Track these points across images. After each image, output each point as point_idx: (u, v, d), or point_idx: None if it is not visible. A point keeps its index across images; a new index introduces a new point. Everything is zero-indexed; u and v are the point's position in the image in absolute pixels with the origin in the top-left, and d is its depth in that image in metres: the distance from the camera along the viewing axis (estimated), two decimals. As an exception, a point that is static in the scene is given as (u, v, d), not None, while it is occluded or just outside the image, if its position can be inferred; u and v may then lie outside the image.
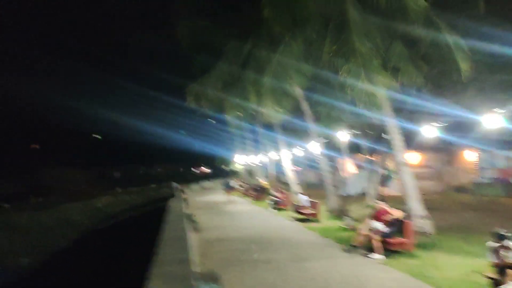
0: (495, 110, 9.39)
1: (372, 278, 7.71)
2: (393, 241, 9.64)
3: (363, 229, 10.29)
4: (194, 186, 46.58)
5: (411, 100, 14.37)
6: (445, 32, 11.08)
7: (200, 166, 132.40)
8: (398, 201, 19.67)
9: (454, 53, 10.86)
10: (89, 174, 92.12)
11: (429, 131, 11.42)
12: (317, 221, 16.18)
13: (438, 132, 11.14)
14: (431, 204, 16.22)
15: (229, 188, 30.19)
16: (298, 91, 16.64)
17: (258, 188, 29.53)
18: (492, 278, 5.99)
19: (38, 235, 23.47)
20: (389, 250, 9.57)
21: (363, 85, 10.83)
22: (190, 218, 14.83)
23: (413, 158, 25.79)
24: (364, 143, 21.17)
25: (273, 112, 14.52)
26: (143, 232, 19.70)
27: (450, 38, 11.00)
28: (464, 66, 11.05)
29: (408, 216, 11.31)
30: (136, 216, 35.15)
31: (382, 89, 11.17)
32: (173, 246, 7.89)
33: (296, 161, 30.43)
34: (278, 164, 35.27)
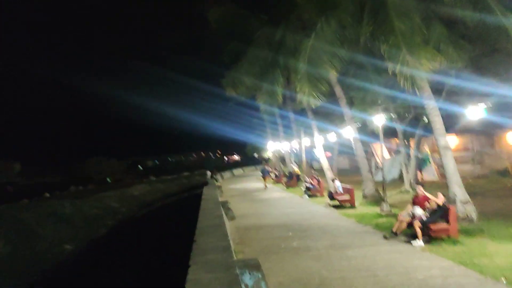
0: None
1: (418, 266, 7.48)
2: (436, 227, 9.33)
3: (403, 215, 10.03)
4: (226, 174, 46.93)
5: (452, 80, 13.80)
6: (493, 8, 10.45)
7: (231, 154, 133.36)
8: (435, 187, 19.24)
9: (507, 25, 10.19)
10: (124, 164, 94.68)
11: (474, 113, 10.87)
12: (352, 207, 15.95)
13: (484, 113, 10.58)
14: (473, 189, 15.71)
15: (266, 174, 30.10)
16: (332, 75, 16.30)
17: (291, 175, 29.40)
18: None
19: (80, 223, 24.24)
20: (432, 237, 9.29)
21: (403, 66, 10.42)
22: (225, 205, 14.92)
23: (452, 141, 24.97)
24: (400, 127, 20.61)
25: (309, 98, 14.22)
26: (179, 219, 20.02)
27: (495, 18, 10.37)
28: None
29: (451, 201, 10.95)
30: (171, 203, 35.75)
31: (422, 69, 10.71)
32: (213, 234, 7.90)
33: (328, 147, 30.04)
34: (310, 151, 35.01)
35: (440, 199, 9.62)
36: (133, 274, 13.53)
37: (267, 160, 61.77)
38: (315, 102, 14.63)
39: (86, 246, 19.16)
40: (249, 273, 5.56)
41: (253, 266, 5.70)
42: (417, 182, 10.85)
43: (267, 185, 28.78)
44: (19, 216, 20.85)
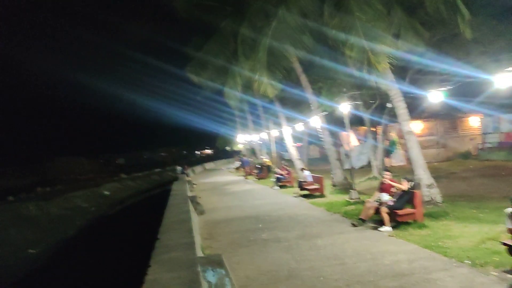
0: (507, 70, 8.97)
1: (385, 251, 7.50)
2: (402, 212, 9.42)
3: (371, 202, 10.08)
4: (198, 168, 46.53)
5: (414, 64, 13.99)
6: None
7: (202, 148, 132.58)
8: (403, 171, 19.59)
9: (460, 12, 10.33)
10: (94, 162, 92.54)
11: (435, 97, 11.01)
12: (322, 196, 16.00)
13: (444, 96, 10.73)
14: (438, 172, 16.07)
15: (246, 165, 29.74)
16: (297, 65, 16.25)
17: (261, 167, 29.34)
18: (509, 245, 5.74)
19: (47, 225, 23.48)
20: (399, 222, 9.37)
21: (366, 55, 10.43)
22: (194, 200, 14.67)
23: (416, 126, 25.50)
24: (366, 115, 20.84)
25: (268, 87, 14.12)
26: (148, 217, 19.64)
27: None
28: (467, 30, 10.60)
29: (416, 185, 11.08)
30: (141, 201, 35.16)
31: (384, 55, 10.75)
32: (177, 230, 7.67)
33: (297, 137, 30.13)
34: (279, 142, 35.07)
35: (404, 185, 9.69)
36: (95, 274, 13.15)
37: (238, 153, 61.67)
38: (273, 90, 14.53)
39: (52, 249, 18.53)
40: (212, 270, 5.40)
41: (216, 262, 5.54)
42: (384, 169, 10.90)
43: (236, 177, 28.63)
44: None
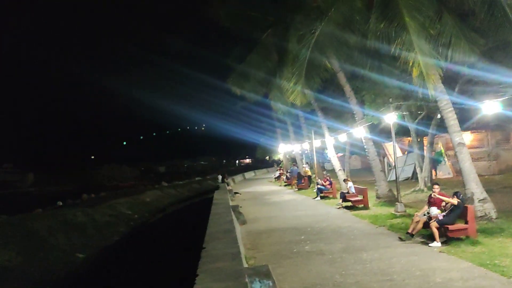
0: None
1: (436, 268, 7.18)
2: (453, 227, 9.01)
3: (419, 215, 9.72)
4: (238, 178, 46.76)
5: (465, 74, 13.47)
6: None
7: (242, 157, 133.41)
8: (451, 184, 18.83)
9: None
10: (135, 170, 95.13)
11: (490, 108, 10.51)
12: (366, 208, 15.63)
13: (500, 107, 10.22)
14: (490, 186, 15.30)
15: (295, 174, 29.47)
16: (341, 75, 16.08)
17: (302, 177, 29.08)
18: None
19: (92, 231, 24.21)
20: (450, 238, 8.97)
21: (416, 59, 10.12)
22: (236, 210, 14.72)
23: (467, 137, 24.49)
24: (412, 125, 20.25)
25: (301, 95, 14.03)
26: (191, 225, 19.86)
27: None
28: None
29: (468, 200, 10.61)
30: (182, 209, 35.66)
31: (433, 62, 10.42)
32: (222, 240, 7.69)
33: (338, 147, 29.69)
34: (320, 152, 34.69)
35: (454, 200, 9.23)
36: (143, 282, 13.37)
37: (279, 163, 61.51)
38: (304, 99, 14.41)
39: (98, 254, 19.07)
40: (259, 281, 5.35)
41: (263, 273, 5.49)
42: (433, 182, 10.49)
43: (278, 187, 28.45)
44: (32, 226, 20.87)
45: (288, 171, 37.48)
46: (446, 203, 9.45)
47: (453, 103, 11.69)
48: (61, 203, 34.01)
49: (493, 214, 10.61)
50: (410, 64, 10.51)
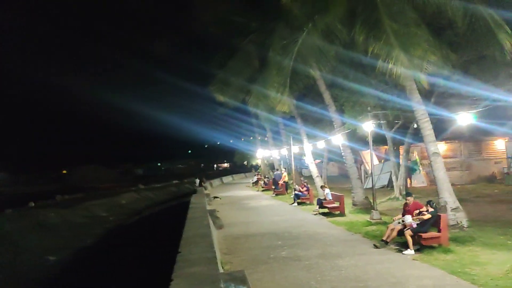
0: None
1: (409, 275, 7.30)
2: (427, 235, 9.18)
3: (394, 223, 9.88)
4: (216, 182, 46.57)
5: (441, 85, 13.78)
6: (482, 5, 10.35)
7: (220, 162, 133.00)
8: (425, 193, 19.18)
9: (496, 32, 10.10)
10: (113, 172, 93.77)
11: (464, 119, 10.79)
12: (342, 215, 15.77)
13: (474, 119, 10.51)
14: (462, 195, 15.66)
15: (278, 179, 29.38)
16: (321, 82, 16.23)
17: (280, 182, 29.14)
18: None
19: (65, 232, 23.72)
20: (423, 245, 9.13)
21: (395, 65, 10.29)
22: (213, 214, 14.63)
23: (441, 147, 25.07)
24: (389, 134, 20.59)
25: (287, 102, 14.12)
26: (167, 229, 19.65)
27: (487, 12, 10.25)
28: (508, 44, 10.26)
29: (441, 209, 10.83)
30: (159, 212, 35.28)
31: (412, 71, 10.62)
32: (198, 245, 7.63)
33: (316, 153, 29.93)
34: (298, 158, 34.87)
35: (427, 216, 9.35)
36: (117, 285, 13.14)
37: (257, 168, 61.54)
38: (290, 106, 14.49)
39: (71, 257, 18.66)
40: (235, 287, 5.32)
41: (239, 279, 5.46)
42: (407, 194, 10.68)
43: (256, 192, 28.43)
44: (1, 227, 20.31)
45: (266, 176, 37.63)
46: (420, 212, 9.63)
47: (429, 114, 11.94)
48: (33, 204, 33.19)
49: (465, 223, 10.86)
50: (391, 74, 10.66)
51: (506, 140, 25.63)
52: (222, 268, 8.19)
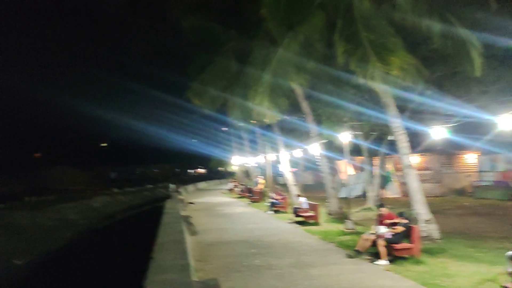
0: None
1: (382, 286, 7.37)
2: (399, 246, 9.29)
3: (367, 234, 9.97)
4: (190, 187, 46.21)
5: (416, 99, 14.07)
6: (456, 26, 10.65)
7: (195, 167, 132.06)
8: (398, 204, 19.48)
9: (469, 49, 10.40)
10: (85, 174, 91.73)
11: (438, 133, 11.06)
12: (317, 224, 15.83)
13: (448, 134, 10.78)
14: (432, 208, 15.88)
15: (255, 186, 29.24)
16: (299, 91, 16.33)
17: (256, 190, 29.15)
18: (510, 289, 5.64)
19: (34, 235, 23.02)
20: (395, 256, 9.23)
21: (372, 79, 10.44)
22: (187, 220, 14.48)
23: (414, 160, 25.58)
24: (364, 144, 20.88)
25: (269, 112, 14.12)
26: (139, 233, 19.32)
27: (462, 32, 10.56)
28: (476, 63, 10.61)
29: (414, 220, 11.00)
30: (132, 216, 34.73)
31: (387, 86, 10.81)
32: (171, 251, 7.51)
33: (293, 162, 30.09)
34: (275, 166, 34.96)
35: (399, 229, 9.49)
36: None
37: (232, 174, 61.37)
38: (274, 116, 14.54)
39: (39, 261, 18.10)
40: (208, 295, 5.26)
41: (212, 287, 5.41)
42: (380, 205, 10.82)
43: (230, 199, 28.32)
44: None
45: (241, 183, 37.59)
46: (393, 223, 9.76)
47: (405, 128, 12.16)
48: (2, 205, 32.18)
49: (437, 235, 11.06)
50: (368, 89, 10.82)
51: (478, 154, 26.34)
52: (195, 275, 8.08)
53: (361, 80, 10.71)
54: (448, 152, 27.17)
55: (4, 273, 15.69)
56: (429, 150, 26.35)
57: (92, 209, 35.85)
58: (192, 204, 25.62)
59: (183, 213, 16.87)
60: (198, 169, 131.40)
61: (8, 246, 19.75)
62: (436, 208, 17.71)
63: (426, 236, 10.85)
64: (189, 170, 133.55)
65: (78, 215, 31.79)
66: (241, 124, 26.22)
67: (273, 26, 13.31)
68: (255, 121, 24.97)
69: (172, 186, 37.72)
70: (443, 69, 14.29)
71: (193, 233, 13.79)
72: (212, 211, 22.60)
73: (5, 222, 23.71)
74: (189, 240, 11.63)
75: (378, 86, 10.73)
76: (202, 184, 55.49)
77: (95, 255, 18.56)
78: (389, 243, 9.21)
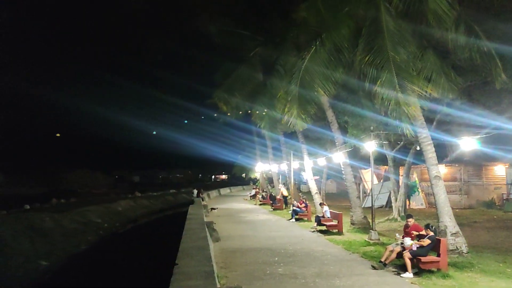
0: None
1: (407, 300, 7.20)
2: (426, 259, 9.09)
3: (393, 245, 9.80)
4: (213, 193, 46.41)
5: (444, 110, 13.79)
6: (483, 39, 10.50)
7: (218, 173, 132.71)
8: (423, 215, 19.11)
9: (494, 60, 10.22)
10: (109, 178, 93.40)
11: (468, 144, 10.79)
12: (340, 233, 15.65)
13: (478, 145, 10.51)
14: (460, 220, 15.56)
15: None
16: (324, 99, 16.23)
17: (278, 197, 29.05)
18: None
19: (59, 238, 23.48)
20: (421, 269, 9.03)
21: (397, 95, 10.33)
22: (210, 226, 14.51)
23: (440, 170, 25.06)
24: (390, 154, 20.56)
25: (297, 120, 14.05)
26: (162, 238, 19.48)
27: (490, 45, 10.39)
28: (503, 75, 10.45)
29: (441, 233, 10.75)
30: (155, 221, 35.07)
31: (415, 99, 10.66)
32: (195, 257, 7.54)
33: (316, 170, 29.88)
34: (298, 173, 34.82)
35: (426, 241, 9.29)
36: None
37: (255, 181, 61.37)
38: (302, 125, 14.48)
39: (63, 262, 18.45)
40: (233, 303, 5.24)
41: (237, 295, 5.39)
42: (408, 215, 10.62)
43: (253, 206, 28.26)
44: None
45: (264, 190, 37.51)
46: (419, 235, 9.58)
47: (432, 138, 11.94)
48: (28, 206, 32.97)
49: (464, 249, 10.76)
50: (390, 103, 10.72)
51: (507, 166, 25.61)
52: (219, 282, 8.09)
53: (389, 93, 10.58)
54: (476, 164, 26.49)
55: (32, 273, 16.05)
56: (457, 161, 25.75)
57: (115, 213, 36.33)
58: (214, 210, 25.71)
59: (206, 219, 16.94)
60: (221, 175, 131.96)
61: (34, 247, 20.21)
62: (464, 220, 17.32)
63: (453, 250, 10.57)
64: (211, 176, 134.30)
65: (101, 218, 32.25)
66: (265, 131, 26.27)
67: (312, 27, 13.31)
68: (281, 128, 25.05)
69: (195, 191, 37.96)
70: (473, 78, 13.99)
71: (216, 239, 13.81)
72: (235, 217, 22.61)
73: (32, 223, 24.25)
74: (212, 246, 11.66)
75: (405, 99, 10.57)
76: (224, 190, 55.67)
77: (118, 258, 18.80)
78: (415, 255, 9.02)
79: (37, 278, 15.65)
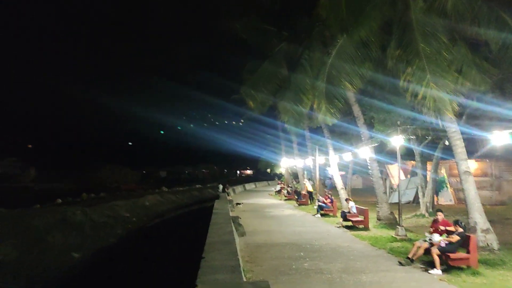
0: None
1: (436, 297, 7.10)
2: (455, 256, 8.93)
3: (420, 241, 9.66)
4: (238, 188, 46.68)
5: (474, 104, 13.43)
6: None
7: (243, 168, 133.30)
8: (452, 211, 18.66)
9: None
10: (136, 173, 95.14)
11: (500, 138, 10.49)
12: (366, 229, 15.52)
13: (511, 139, 10.19)
14: (491, 217, 15.14)
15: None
16: (351, 94, 16.08)
17: (303, 193, 28.99)
18: None
19: (89, 231, 24.13)
20: (450, 266, 8.88)
21: (427, 89, 10.14)
22: (236, 221, 14.65)
23: (471, 166, 24.44)
24: (417, 149, 20.18)
25: (325, 115, 13.98)
26: (189, 232, 19.77)
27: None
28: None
29: (471, 229, 10.53)
30: (181, 215, 35.55)
31: (446, 93, 10.44)
32: (221, 251, 7.64)
33: (342, 165, 29.61)
34: (324, 169, 34.60)
35: (455, 237, 9.11)
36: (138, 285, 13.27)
37: (280, 177, 61.37)
38: (332, 120, 14.39)
39: (93, 255, 18.98)
40: (259, 297, 5.29)
41: (263, 289, 5.43)
42: (437, 210, 10.44)
43: (278, 201, 28.28)
44: (30, 222, 20.83)
45: (289, 185, 37.43)
46: (448, 231, 9.41)
47: (462, 132, 11.68)
48: (60, 201, 34.02)
49: (495, 246, 10.51)
50: (422, 97, 10.52)
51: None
52: (244, 276, 8.17)
53: (417, 88, 10.40)
54: (508, 159, 25.68)
55: (65, 264, 16.58)
56: (487, 156, 25.04)
57: (143, 207, 36.99)
58: (240, 205, 25.89)
59: (231, 213, 17.10)
60: (246, 170, 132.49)
61: (66, 239, 20.85)
62: (495, 217, 16.85)
63: (483, 247, 10.34)
64: (237, 171, 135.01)
65: (129, 212, 32.93)
66: (291, 126, 26.26)
67: (332, 25, 13.20)
68: (306, 123, 24.96)
69: (220, 186, 38.26)
70: (505, 71, 13.57)
71: (242, 234, 13.92)
72: (260, 212, 22.71)
73: (64, 217, 24.99)
74: (238, 241, 11.77)
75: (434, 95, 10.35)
76: (250, 185, 55.90)
77: (146, 251, 19.19)
78: (444, 252, 8.87)
79: (71, 269, 16.15)
